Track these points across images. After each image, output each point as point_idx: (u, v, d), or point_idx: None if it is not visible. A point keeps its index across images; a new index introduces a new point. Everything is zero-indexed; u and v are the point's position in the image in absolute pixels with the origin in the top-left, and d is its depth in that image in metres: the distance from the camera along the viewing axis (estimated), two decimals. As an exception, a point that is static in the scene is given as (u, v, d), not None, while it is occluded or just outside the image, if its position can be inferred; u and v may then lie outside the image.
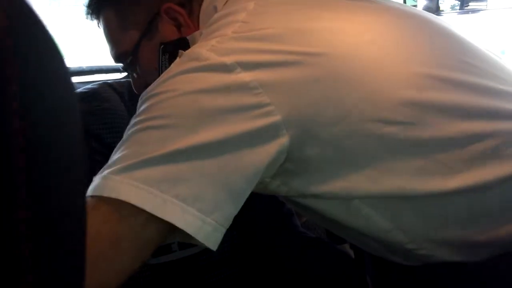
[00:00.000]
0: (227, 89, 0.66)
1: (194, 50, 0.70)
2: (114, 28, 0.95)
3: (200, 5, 0.89)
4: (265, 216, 0.94)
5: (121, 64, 1.00)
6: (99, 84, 1.23)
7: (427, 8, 3.37)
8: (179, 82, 0.68)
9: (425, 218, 0.74)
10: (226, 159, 0.64)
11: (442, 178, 0.70)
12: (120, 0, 0.94)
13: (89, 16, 0.97)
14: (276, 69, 0.67)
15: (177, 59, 0.73)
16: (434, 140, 0.70)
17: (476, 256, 0.76)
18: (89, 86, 1.22)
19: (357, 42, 0.72)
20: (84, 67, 1.81)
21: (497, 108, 0.75)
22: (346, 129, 0.68)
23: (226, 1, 0.83)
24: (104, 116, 1.10)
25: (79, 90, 1.21)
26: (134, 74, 0.97)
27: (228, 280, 0.99)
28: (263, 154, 0.66)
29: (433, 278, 0.77)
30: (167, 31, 0.90)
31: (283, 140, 0.67)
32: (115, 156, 0.66)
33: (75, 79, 1.80)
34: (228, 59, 0.67)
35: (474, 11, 3.57)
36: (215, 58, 0.67)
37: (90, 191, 0.63)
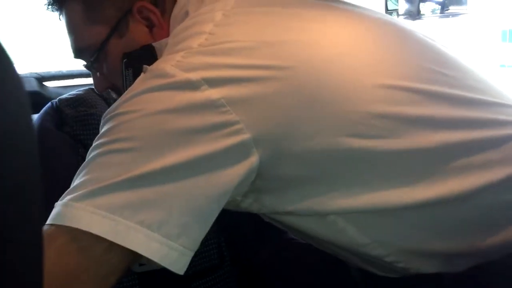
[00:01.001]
0: (193, 108, 0.63)
1: (158, 65, 0.68)
2: (80, 22, 0.89)
3: (173, 5, 0.85)
4: (253, 222, 0.93)
5: (83, 62, 0.94)
6: (84, 90, 1.20)
7: (408, 12, 3.39)
8: (143, 102, 0.65)
9: (403, 231, 0.73)
10: (193, 182, 0.62)
11: (418, 189, 0.69)
12: None
13: (50, 7, 0.91)
14: (244, 85, 0.64)
15: (141, 75, 0.69)
16: (408, 152, 0.69)
17: (456, 267, 0.75)
18: (74, 92, 1.19)
19: (329, 54, 0.70)
20: (64, 71, 1.78)
21: (470, 118, 0.74)
22: (318, 145, 0.67)
23: (199, 7, 0.80)
24: (91, 122, 1.08)
25: (64, 96, 1.19)
26: (98, 73, 0.92)
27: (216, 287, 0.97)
28: (232, 175, 0.64)
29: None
30: (138, 31, 0.86)
31: (253, 159, 0.65)
32: (76, 181, 0.63)
33: (55, 83, 1.78)
34: (194, 76, 0.64)
35: (454, 15, 3.60)
36: (180, 75, 0.65)
37: (50, 219, 0.61)
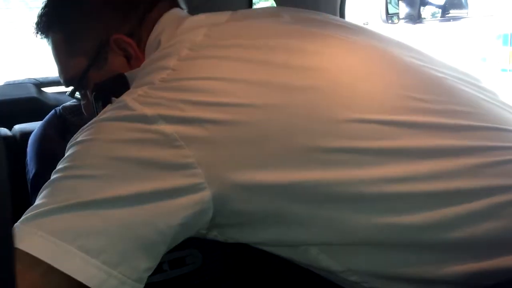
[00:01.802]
0: (146, 140, 0.64)
1: (122, 98, 0.69)
2: (62, 52, 0.91)
3: (149, 34, 0.86)
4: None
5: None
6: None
7: (408, 16, 3.38)
8: (100, 131, 0.67)
9: (377, 260, 0.72)
10: (137, 213, 0.62)
11: (390, 217, 0.68)
12: (67, 26, 0.90)
13: (38, 35, 0.93)
14: (199, 124, 0.65)
15: (107, 106, 0.71)
16: (373, 182, 0.67)
17: None
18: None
19: (289, 90, 0.70)
20: (50, 78, 1.77)
21: (451, 146, 0.72)
22: (270, 180, 0.66)
23: (171, 37, 0.81)
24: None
25: (68, 103, 1.18)
26: (82, 101, 0.94)
27: None
28: (178, 209, 0.64)
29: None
30: (116, 62, 0.87)
31: (204, 195, 0.64)
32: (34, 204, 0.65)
33: (54, 89, 1.76)
34: (150, 111, 0.65)
35: (455, 18, 3.59)
36: (139, 109, 0.66)
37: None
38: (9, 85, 1.74)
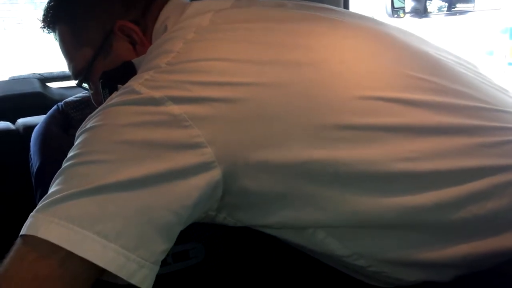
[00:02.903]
0: (155, 122, 0.65)
1: (129, 83, 0.70)
2: (69, 44, 0.92)
3: (154, 22, 0.87)
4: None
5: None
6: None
7: (414, 10, 3.35)
8: (108, 116, 0.68)
9: (384, 242, 0.72)
10: (151, 195, 0.63)
11: (397, 199, 0.68)
12: (73, 17, 0.91)
13: (45, 30, 0.95)
14: (207, 103, 0.66)
15: (114, 93, 0.71)
16: (383, 162, 0.67)
17: (442, 276, 0.74)
18: (80, 94, 1.18)
19: (297, 68, 0.70)
20: (67, 72, 1.76)
21: (453, 124, 0.72)
22: (281, 159, 0.66)
23: (177, 22, 0.81)
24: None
25: (70, 98, 1.18)
26: (91, 91, 0.95)
27: None
28: (192, 188, 0.64)
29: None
30: (122, 49, 0.88)
31: (215, 173, 0.65)
32: (48, 192, 0.65)
33: (58, 84, 1.77)
34: (158, 94, 0.66)
35: (461, 12, 3.57)
36: (146, 92, 0.66)
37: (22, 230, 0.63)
38: (14, 80, 1.74)
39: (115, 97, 0.69)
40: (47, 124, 1.12)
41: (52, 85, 1.76)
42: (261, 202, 0.70)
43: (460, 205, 0.69)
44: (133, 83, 0.69)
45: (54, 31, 0.94)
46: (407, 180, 0.68)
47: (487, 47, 4.11)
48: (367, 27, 0.85)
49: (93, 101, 0.97)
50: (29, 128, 1.24)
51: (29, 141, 1.13)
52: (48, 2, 0.93)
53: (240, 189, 0.67)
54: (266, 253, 0.82)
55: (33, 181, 1.07)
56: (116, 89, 0.72)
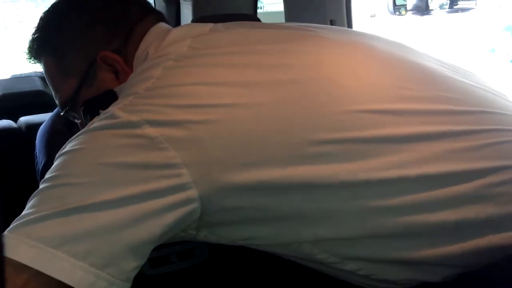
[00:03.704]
0: (132, 145, 0.66)
1: (109, 109, 0.71)
2: (54, 75, 0.93)
3: (135, 49, 0.88)
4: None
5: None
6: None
7: (416, 7, 3.35)
8: (86, 140, 0.69)
9: (371, 248, 0.72)
10: (123, 214, 0.63)
11: (385, 200, 0.68)
12: (57, 48, 0.92)
13: (30, 60, 0.96)
14: (184, 125, 0.67)
15: (95, 118, 0.72)
16: (365, 171, 0.68)
17: (434, 276, 0.74)
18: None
19: (276, 87, 0.71)
20: None
21: (431, 132, 0.71)
22: (256, 177, 0.67)
23: (157, 47, 0.83)
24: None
25: None
26: (76, 120, 0.95)
27: None
28: (164, 209, 0.65)
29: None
30: (105, 78, 0.89)
31: (190, 194, 0.65)
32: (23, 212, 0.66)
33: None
34: (135, 117, 0.67)
35: (463, 10, 3.55)
36: (124, 116, 0.67)
37: None
38: (15, 78, 1.75)
39: (95, 122, 0.70)
40: (53, 123, 1.13)
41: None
42: (240, 221, 0.70)
43: (448, 207, 0.69)
44: (113, 108, 0.70)
45: (40, 62, 0.95)
46: (391, 185, 0.68)
47: (489, 45, 4.10)
48: (352, 41, 0.86)
49: (80, 129, 0.98)
50: (31, 127, 1.24)
51: (31, 139, 1.14)
52: (32, 34, 0.94)
53: (219, 208, 0.68)
54: (270, 252, 0.82)
55: (38, 178, 1.07)
56: (98, 115, 0.73)
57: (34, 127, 1.16)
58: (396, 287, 0.76)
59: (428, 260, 0.72)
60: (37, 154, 1.10)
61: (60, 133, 1.08)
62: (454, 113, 0.74)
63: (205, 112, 0.67)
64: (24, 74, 1.80)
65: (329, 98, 0.70)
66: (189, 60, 0.76)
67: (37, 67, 1.83)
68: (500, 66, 3.92)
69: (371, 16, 5.70)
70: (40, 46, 0.93)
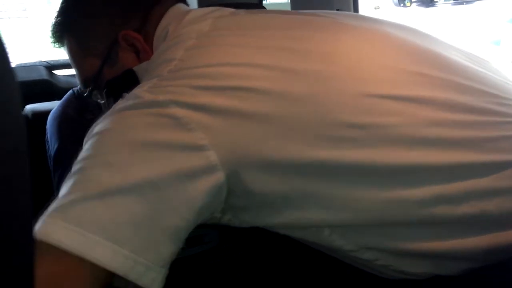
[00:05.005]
0: (160, 124, 0.66)
1: (133, 92, 0.72)
2: (76, 56, 0.95)
3: (155, 29, 0.89)
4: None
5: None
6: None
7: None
8: (114, 121, 0.69)
9: (389, 237, 0.73)
10: (160, 198, 0.64)
11: (404, 191, 0.68)
12: (79, 29, 0.94)
13: (55, 44, 0.98)
14: (210, 107, 0.67)
15: (119, 100, 0.73)
16: (388, 158, 0.67)
17: (449, 270, 0.74)
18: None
19: (302, 70, 0.71)
20: (61, 60, 1.77)
21: (455, 119, 0.71)
22: (284, 159, 0.67)
23: (177, 27, 0.83)
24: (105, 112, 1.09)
25: (77, 87, 1.18)
26: (99, 101, 0.97)
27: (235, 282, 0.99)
28: (197, 192, 0.65)
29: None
30: (127, 58, 0.90)
31: (219, 175, 0.66)
32: (57, 197, 0.65)
33: (64, 72, 1.76)
34: (162, 97, 0.67)
35: (468, 1, 3.55)
36: (150, 97, 0.68)
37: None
38: (20, 67, 1.74)
39: (120, 103, 0.70)
40: (64, 108, 1.13)
41: (59, 72, 1.76)
42: (265, 203, 0.70)
43: (467, 199, 0.69)
44: (137, 90, 0.70)
45: (63, 45, 0.96)
46: (410, 174, 0.68)
47: (494, 37, 4.08)
48: (368, 27, 0.86)
49: (103, 110, 0.98)
50: (38, 114, 1.24)
51: (38, 127, 1.14)
52: (55, 18, 0.96)
53: (244, 190, 0.68)
54: (280, 239, 0.82)
55: (50, 163, 1.08)
56: (121, 97, 0.74)
57: (40, 115, 1.16)
58: (411, 277, 0.76)
59: (447, 253, 0.72)
60: (49, 139, 1.11)
61: (71, 118, 1.10)
62: (477, 101, 0.73)
63: (230, 93, 0.68)
64: (29, 63, 1.79)
65: (355, 82, 0.70)
66: (212, 39, 0.76)
67: (42, 57, 1.83)
68: (505, 58, 3.92)
69: (375, 8, 5.69)
70: (62, 29, 0.95)
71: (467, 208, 0.69)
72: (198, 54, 0.74)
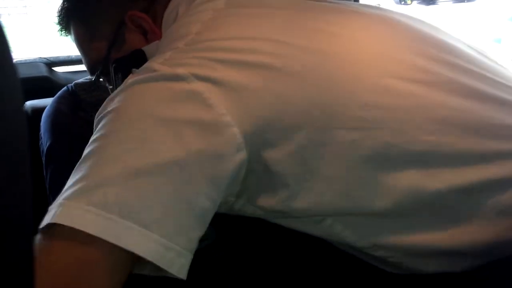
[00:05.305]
0: (181, 98, 0.62)
1: (146, 65, 0.68)
2: (83, 40, 0.94)
3: (164, 10, 0.87)
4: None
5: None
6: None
7: (422, -3, 3.33)
8: (131, 95, 0.64)
9: (402, 233, 0.72)
10: (187, 178, 0.60)
11: (416, 181, 0.68)
12: (85, 13, 0.93)
13: (62, 32, 0.96)
14: (230, 81, 0.64)
15: (131, 74, 0.68)
16: (405, 140, 0.67)
17: (459, 266, 0.74)
18: (89, 76, 1.18)
19: (321, 53, 0.70)
20: (73, 57, 1.76)
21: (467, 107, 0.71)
22: (305, 138, 0.65)
23: (189, 8, 0.80)
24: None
25: (80, 80, 1.18)
26: (107, 85, 0.95)
27: (236, 278, 0.98)
28: (223, 170, 0.62)
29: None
30: (134, 40, 0.88)
31: (242, 153, 0.64)
32: (71, 180, 0.60)
33: (64, 69, 1.76)
34: (181, 70, 0.63)
35: (469, -1, 3.55)
36: (168, 70, 0.64)
37: (45, 220, 0.58)
38: (20, 64, 1.74)
39: (134, 77, 0.66)
40: (57, 104, 1.13)
41: (59, 69, 1.76)
42: (282, 183, 0.68)
43: (484, 190, 0.68)
44: (152, 63, 0.66)
45: (70, 31, 0.95)
46: (424, 160, 0.67)
47: (495, 35, 4.08)
48: (380, 15, 0.85)
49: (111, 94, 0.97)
50: (38, 110, 1.24)
51: (37, 123, 1.13)
52: (62, 4, 0.95)
53: (264, 168, 0.66)
54: (278, 236, 0.82)
55: (43, 159, 1.07)
56: (131, 73, 0.69)
57: (40, 111, 1.16)
58: (422, 273, 0.76)
59: (460, 248, 0.71)
60: (42, 136, 1.10)
61: (64, 115, 1.09)
62: (488, 90, 0.74)
63: (251, 68, 0.65)
64: (29, 60, 1.79)
65: (371, 64, 0.70)
66: (228, 14, 0.74)
67: (41, 53, 1.83)
68: (506, 56, 3.92)
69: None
70: (68, 14, 0.94)
71: (481, 198, 0.69)
72: (215, 27, 0.71)
